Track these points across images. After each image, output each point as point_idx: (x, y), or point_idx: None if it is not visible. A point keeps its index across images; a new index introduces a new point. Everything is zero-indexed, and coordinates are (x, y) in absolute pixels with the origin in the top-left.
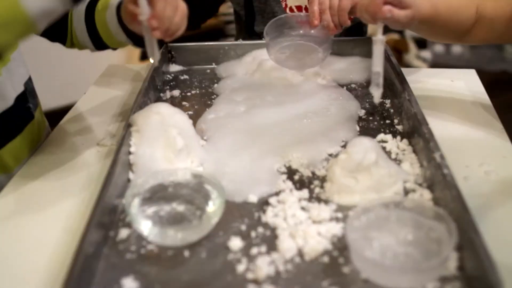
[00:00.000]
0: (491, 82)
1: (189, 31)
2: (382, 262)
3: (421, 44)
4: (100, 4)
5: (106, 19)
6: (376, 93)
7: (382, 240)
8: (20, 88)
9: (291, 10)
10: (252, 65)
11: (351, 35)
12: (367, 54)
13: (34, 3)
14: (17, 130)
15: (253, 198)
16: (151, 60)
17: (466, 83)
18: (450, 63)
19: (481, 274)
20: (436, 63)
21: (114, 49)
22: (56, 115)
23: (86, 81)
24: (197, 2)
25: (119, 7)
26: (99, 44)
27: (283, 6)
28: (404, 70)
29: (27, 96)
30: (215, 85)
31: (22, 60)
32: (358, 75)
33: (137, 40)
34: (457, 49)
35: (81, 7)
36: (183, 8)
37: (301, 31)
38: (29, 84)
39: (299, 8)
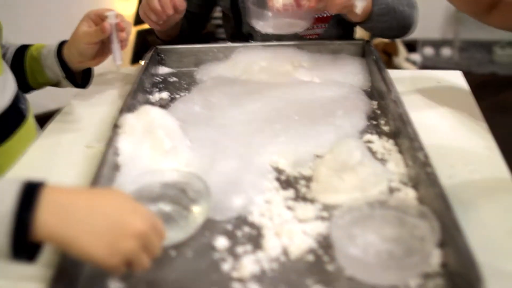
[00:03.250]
0: (480, 84)
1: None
2: (365, 259)
3: (411, 47)
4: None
5: (41, 55)
6: (360, 4)
7: (366, 237)
8: (14, 90)
9: (277, 10)
10: (237, 67)
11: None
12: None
13: None
14: (10, 132)
15: (240, 198)
16: (117, 63)
17: (452, 85)
18: (439, 66)
19: (463, 270)
20: (425, 66)
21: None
22: (46, 119)
23: None
24: (192, 15)
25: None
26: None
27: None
28: (391, 72)
29: (20, 97)
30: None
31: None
32: (349, 76)
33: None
34: (446, 52)
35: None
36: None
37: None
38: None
39: (284, 7)
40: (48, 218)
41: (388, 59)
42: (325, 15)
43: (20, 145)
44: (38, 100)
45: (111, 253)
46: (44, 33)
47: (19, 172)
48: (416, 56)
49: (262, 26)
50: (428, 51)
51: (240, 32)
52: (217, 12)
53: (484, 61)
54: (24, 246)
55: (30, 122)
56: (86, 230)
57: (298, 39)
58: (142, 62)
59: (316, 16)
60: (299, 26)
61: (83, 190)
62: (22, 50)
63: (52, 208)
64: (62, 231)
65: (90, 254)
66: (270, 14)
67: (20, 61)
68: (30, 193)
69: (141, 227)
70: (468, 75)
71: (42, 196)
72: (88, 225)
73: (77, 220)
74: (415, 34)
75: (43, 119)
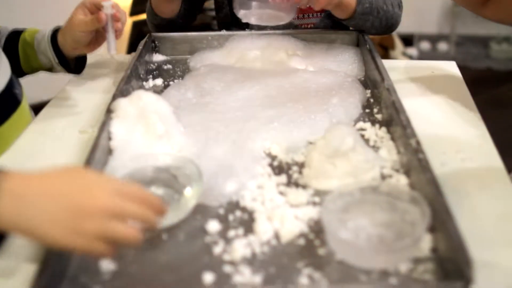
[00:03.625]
0: (476, 79)
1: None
2: (356, 242)
3: (407, 41)
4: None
5: (34, 40)
6: None
7: (357, 222)
8: (8, 74)
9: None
10: (231, 54)
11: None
12: (351, 44)
13: None
14: (5, 117)
15: (232, 183)
16: (112, 53)
17: (446, 74)
18: (435, 60)
19: (453, 255)
20: (421, 60)
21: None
22: (40, 110)
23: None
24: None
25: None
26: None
27: None
28: (385, 62)
29: (14, 82)
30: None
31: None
32: (344, 65)
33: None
34: (442, 46)
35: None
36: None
37: None
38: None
39: None
40: (6, 210)
41: (385, 53)
42: None
43: (13, 130)
44: (32, 90)
45: (77, 237)
46: (40, 19)
47: (12, 156)
48: (412, 50)
49: (244, 14)
50: (425, 45)
51: (236, 20)
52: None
53: (480, 56)
54: None
55: (24, 107)
56: (45, 218)
57: (293, 28)
58: (112, 52)
59: (309, 7)
60: (281, 19)
61: (37, 175)
62: (15, 34)
63: (9, 198)
64: (22, 222)
65: (56, 242)
66: (254, 3)
67: (13, 46)
68: None
69: (101, 202)
70: (464, 70)
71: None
72: (46, 212)
73: (34, 209)
74: (412, 28)
75: (37, 110)
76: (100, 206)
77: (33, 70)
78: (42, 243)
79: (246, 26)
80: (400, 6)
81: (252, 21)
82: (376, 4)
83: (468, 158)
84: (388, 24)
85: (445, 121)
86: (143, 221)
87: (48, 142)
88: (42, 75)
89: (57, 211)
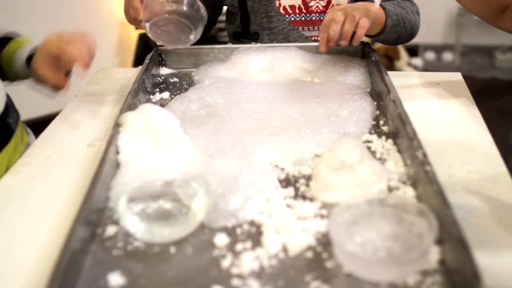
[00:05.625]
0: (481, 89)
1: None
2: (364, 255)
3: (412, 51)
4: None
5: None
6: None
7: (364, 234)
8: (2, 105)
9: (285, 9)
10: (237, 67)
11: None
12: (356, 55)
13: None
14: None
15: (239, 196)
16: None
17: (451, 86)
18: (440, 71)
19: (461, 267)
20: (426, 71)
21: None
22: (37, 125)
23: (77, 84)
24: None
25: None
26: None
27: (277, 5)
28: (390, 73)
29: (9, 110)
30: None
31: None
32: (350, 77)
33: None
34: (447, 56)
35: None
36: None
37: (184, 8)
38: (8, 99)
39: (292, 7)
40: None
41: (390, 64)
42: None
43: (6, 159)
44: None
45: None
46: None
47: (19, 170)
48: (417, 61)
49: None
50: (430, 55)
51: (247, 31)
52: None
53: (485, 66)
54: None
55: (18, 135)
56: None
57: (303, 41)
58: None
59: (320, 19)
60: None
61: None
62: (4, 41)
63: None
64: None
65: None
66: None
67: None
68: None
69: None
70: (469, 80)
71: None
72: None
73: None
74: (417, 38)
75: (34, 125)
76: None
77: (15, 78)
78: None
79: (257, 37)
80: (418, 13)
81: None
82: (401, 14)
83: (475, 170)
84: (412, 32)
85: (451, 132)
86: None
87: (56, 156)
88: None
89: None
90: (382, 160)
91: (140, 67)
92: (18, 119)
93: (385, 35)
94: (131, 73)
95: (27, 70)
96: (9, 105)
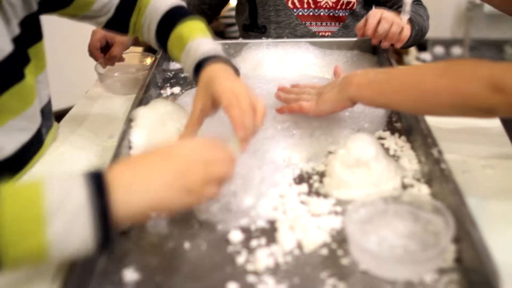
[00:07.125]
0: None
1: None
2: (380, 253)
3: (421, 46)
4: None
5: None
6: (404, 17)
7: (380, 232)
8: (38, 124)
9: (293, 3)
10: (247, 62)
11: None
12: (368, 51)
13: (59, 252)
14: (27, 161)
15: (253, 193)
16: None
17: None
18: None
19: (478, 266)
20: None
21: None
22: (59, 118)
23: (89, 80)
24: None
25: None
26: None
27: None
28: None
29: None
30: None
31: (47, 81)
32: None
33: None
34: (456, 51)
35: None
36: (262, 109)
37: None
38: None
39: (301, 2)
40: (121, 198)
41: (399, 58)
42: (341, 15)
43: (33, 165)
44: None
45: (189, 193)
46: None
47: (34, 166)
48: (426, 55)
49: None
50: (439, 50)
51: (255, 23)
52: (227, 12)
53: (494, 60)
54: (107, 234)
55: (46, 145)
56: (158, 189)
57: (310, 35)
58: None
59: (332, 15)
60: None
61: (134, 160)
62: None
63: (121, 189)
64: (138, 201)
65: (174, 204)
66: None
67: (165, 35)
68: (97, 181)
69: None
70: None
71: (108, 181)
72: (156, 184)
73: (145, 181)
74: None
75: (60, 117)
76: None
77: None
78: (166, 210)
79: (264, 30)
80: (428, 17)
81: None
82: (421, 24)
83: (490, 166)
84: (422, 35)
85: (466, 129)
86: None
87: (69, 151)
88: (63, 82)
89: (166, 179)
90: (395, 157)
91: (151, 62)
92: (53, 126)
93: (408, 43)
94: (143, 68)
95: (193, 76)
96: (46, 112)
